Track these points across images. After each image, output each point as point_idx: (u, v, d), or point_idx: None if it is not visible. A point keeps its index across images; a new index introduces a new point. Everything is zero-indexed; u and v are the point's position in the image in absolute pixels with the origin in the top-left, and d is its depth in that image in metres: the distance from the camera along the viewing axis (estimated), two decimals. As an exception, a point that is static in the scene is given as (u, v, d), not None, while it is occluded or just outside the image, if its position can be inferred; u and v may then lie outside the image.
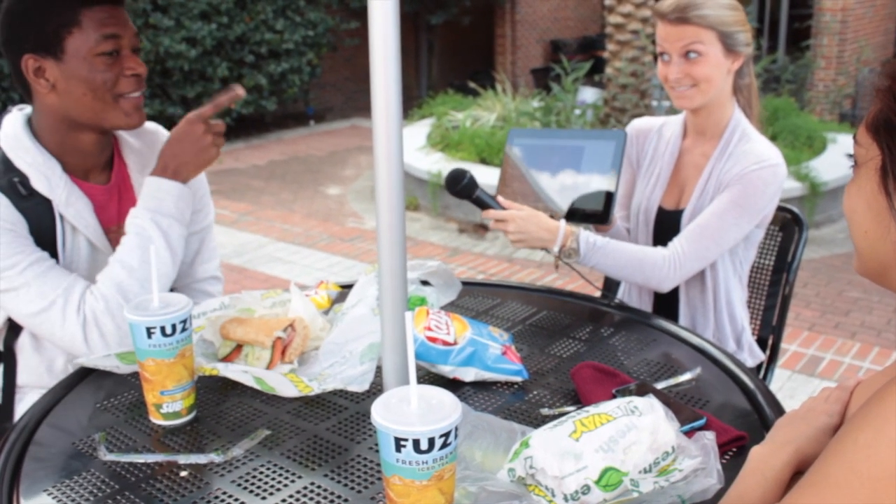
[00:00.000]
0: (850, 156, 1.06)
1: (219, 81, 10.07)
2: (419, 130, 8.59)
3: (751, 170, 2.03)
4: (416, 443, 1.03)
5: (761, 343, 2.37)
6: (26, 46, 1.73)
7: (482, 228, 6.65)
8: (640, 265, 2.03)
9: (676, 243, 2.06)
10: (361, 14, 12.35)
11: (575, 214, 2.06)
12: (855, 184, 1.04)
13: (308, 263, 5.97)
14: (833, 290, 5.34)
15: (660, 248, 2.06)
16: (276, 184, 8.41)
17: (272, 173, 8.90)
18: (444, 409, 1.07)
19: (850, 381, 1.23)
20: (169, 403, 1.46)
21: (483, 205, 2.01)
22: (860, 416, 0.89)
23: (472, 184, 1.97)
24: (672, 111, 8.09)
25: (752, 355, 2.27)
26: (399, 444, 1.04)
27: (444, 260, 5.98)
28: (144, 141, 1.98)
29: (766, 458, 1.14)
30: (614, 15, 7.67)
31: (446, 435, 1.05)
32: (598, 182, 2.05)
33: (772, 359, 2.39)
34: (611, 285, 2.57)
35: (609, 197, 2.04)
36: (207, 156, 1.88)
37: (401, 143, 1.36)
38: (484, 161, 7.20)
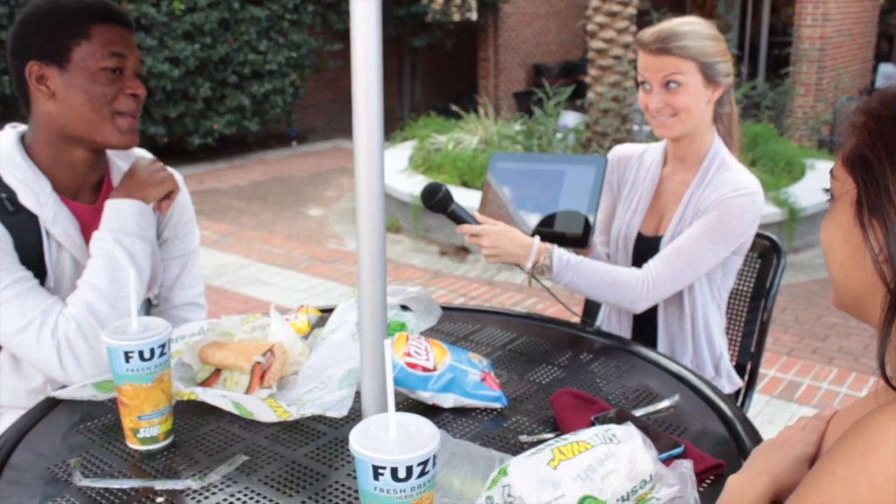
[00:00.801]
0: (827, 190, 1.07)
1: (201, 101, 10.07)
2: (401, 153, 8.61)
3: (728, 197, 2.05)
4: (395, 471, 1.03)
5: (739, 369, 2.38)
6: (33, 53, 1.76)
7: (463, 251, 6.66)
8: (613, 285, 2.04)
9: (651, 265, 2.07)
10: (345, 36, 12.40)
11: (554, 238, 2.07)
12: (831, 217, 1.05)
13: (289, 285, 5.95)
14: (811, 315, 5.38)
15: (634, 269, 2.08)
16: (257, 204, 8.40)
17: (254, 194, 8.89)
18: (423, 437, 1.06)
19: (826, 410, 1.24)
20: (146, 428, 1.45)
21: (458, 219, 2.03)
22: (838, 449, 0.90)
23: (448, 197, 2.00)
24: (654, 137, 8.15)
25: (731, 382, 2.28)
26: (377, 472, 1.04)
27: (425, 283, 5.98)
28: (130, 163, 1.98)
29: (744, 488, 1.15)
30: (596, 40, 7.74)
31: (424, 463, 1.05)
32: (577, 207, 2.07)
33: (750, 385, 2.39)
34: (590, 310, 2.58)
35: (587, 221, 2.05)
36: (163, 175, 1.93)
37: (381, 167, 1.36)
38: (466, 184, 7.22)
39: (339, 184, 9.44)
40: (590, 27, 7.84)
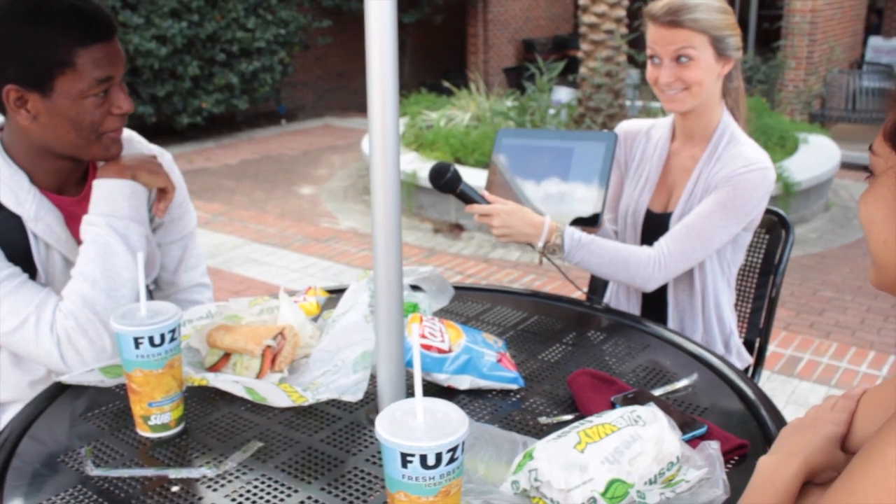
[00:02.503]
0: (866, 168, 1.04)
1: (189, 80, 9.97)
2: (393, 130, 8.53)
3: (739, 172, 2.02)
4: (424, 458, 1.00)
5: (747, 345, 2.36)
6: (9, 76, 1.62)
7: (457, 228, 6.62)
8: (624, 263, 2.01)
9: (662, 243, 2.04)
10: (334, 12, 12.32)
11: (564, 216, 2.04)
12: (871, 194, 1.01)
13: (283, 265, 5.91)
14: (807, 289, 5.37)
15: (645, 248, 2.05)
16: (248, 183, 8.34)
17: (244, 173, 8.82)
18: (451, 422, 1.03)
19: (855, 389, 1.22)
20: (157, 415, 1.42)
21: (467, 199, 1.99)
22: (889, 430, 0.87)
23: (457, 177, 1.95)
24: (645, 111, 8.11)
25: (741, 359, 2.26)
26: (405, 459, 1.01)
27: (421, 261, 5.95)
28: None
29: (775, 470, 1.12)
30: (588, 15, 7.67)
31: (454, 450, 1.02)
32: (587, 184, 2.03)
33: (758, 361, 2.38)
34: (596, 287, 2.55)
35: (598, 199, 2.01)
36: (157, 165, 1.83)
37: (397, 149, 1.34)
38: (459, 161, 7.17)
39: (329, 162, 9.37)
40: (581, 1, 7.77)
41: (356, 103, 13.34)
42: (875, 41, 12.85)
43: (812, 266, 5.81)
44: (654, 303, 2.22)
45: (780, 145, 7.41)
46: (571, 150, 2.06)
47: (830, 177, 7.17)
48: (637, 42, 7.83)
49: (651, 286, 2.05)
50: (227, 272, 5.71)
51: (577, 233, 1.99)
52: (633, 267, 2.01)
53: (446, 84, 9.76)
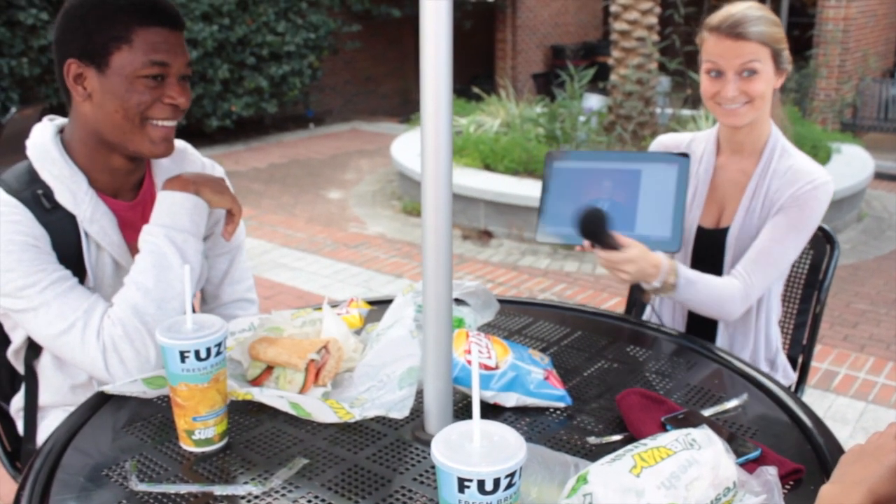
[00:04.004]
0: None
1: (219, 83, 10.01)
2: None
3: (805, 190, 2.00)
4: (482, 483, 0.98)
5: (790, 362, 2.31)
6: (73, 50, 1.66)
7: (486, 235, 6.60)
8: (719, 300, 1.99)
9: (744, 273, 2.01)
10: (363, 17, 12.33)
11: (642, 242, 1.92)
12: None
13: (313, 270, 5.91)
14: (840, 301, 5.30)
15: (734, 281, 2.01)
16: (276, 187, 8.35)
17: (272, 176, 8.84)
18: (509, 447, 1.01)
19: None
20: (201, 430, 1.40)
21: (608, 245, 1.85)
22: None
23: (607, 227, 1.83)
24: (676, 119, 8.05)
25: (786, 377, 2.23)
26: (463, 484, 0.98)
27: (450, 267, 5.92)
28: (173, 158, 1.89)
29: (839, 498, 1.09)
30: (620, 21, 7.63)
31: (512, 475, 0.99)
32: (663, 208, 1.92)
33: (801, 379, 2.34)
34: (635, 301, 2.52)
35: (677, 224, 1.91)
36: (225, 186, 1.82)
37: (450, 160, 1.31)
38: (488, 167, 7.15)
39: (357, 166, 9.38)
40: (613, 8, 7.73)
41: (384, 108, 13.36)
42: (909, 49, 12.71)
43: (845, 278, 5.74)
44: (701, 318, 2.18)
45: (812, 155, 7.26)
46: (639, 172, 1.96)
47: (864, 187, 7.09)
48: (667, 50, 7.80)
49: (733, 318, 2.05)
50: (257, 277, 5.70)
51: (688, 271, 1.94)
52: (727, 302, 1.99)
53: (475, 90, 9.74)
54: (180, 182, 1.76)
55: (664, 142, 2.28)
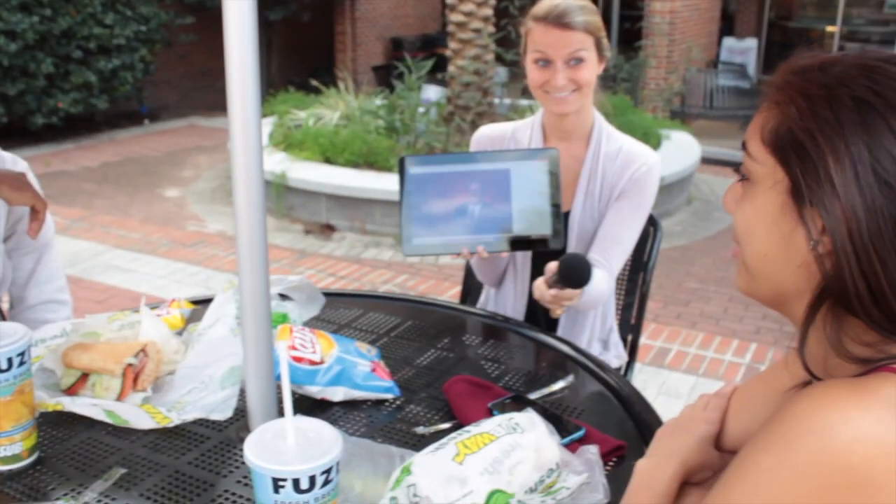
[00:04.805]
0: (730, 164, 1.02)
1: (43, 78, 9.50)
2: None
3: (642, 172, 2.09)
4: (297, 482, 0.95)
5: (623, 342, 2.38)
6: None
7: (328, 229, 6.53)
8: (602, 292, 2.04)
9: (602, 260, 2.06)
10: (196, 9, 11.97)
11: (520, 243, 1.89)
12: (750, 204, 0.95)
13: (148, 271, 5.69)
14: (672, 281, 5.53)
15: (605, 273, 2.04)
16: (109, 187, 8.01)
17: (105, 176, 8.47)
18: (324, 442, 0.99)
19: (727, 387, 1.22)
20: (7, 446, 1.31)
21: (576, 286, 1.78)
22: (762, 437, 0.87)
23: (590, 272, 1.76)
24: (514, 109, 8.20)
25: (618, 356, 2.29)
26: (277, 484, 0.96)
27: (292, 263, 5.84)
28: None
29: (653, 472, 1.12)
30: (456, 13, 7.69)
31: (328, 471, 0.97)
32: (538, 205, 1.87)
33: (631, 357, 2.41)
34: (470, 289, 2.53)
35: (557, 220, 1.87)
36: (26, 182, 1.70)
37: (260, 148, 1.28)
38: (329, 161, 7.07)
39: (195, 163, 9.10)
40: (449, 0, 7.79)
41: (222, 103, 12.82)
42: (729, 42, 13.40)
43: (677, 258, 5.99)
44: (540, 305, 2.20)
45: (644, 141, 7.52)
46: (507, 171, 1.89)
47: (692, 172, 7.42)
48: (504, 41, 7.92)
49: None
50: (87, 281, 5.46)
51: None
52: (604, 292, 2.06)
53: (314, 83, 9.63)
54: None
55: (488, 133, 2.26)
